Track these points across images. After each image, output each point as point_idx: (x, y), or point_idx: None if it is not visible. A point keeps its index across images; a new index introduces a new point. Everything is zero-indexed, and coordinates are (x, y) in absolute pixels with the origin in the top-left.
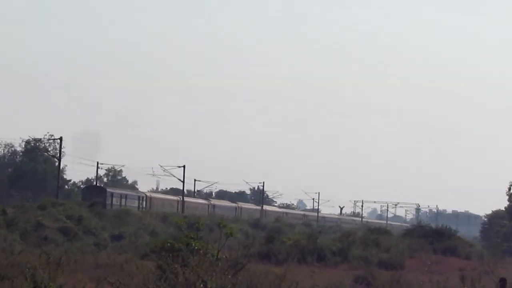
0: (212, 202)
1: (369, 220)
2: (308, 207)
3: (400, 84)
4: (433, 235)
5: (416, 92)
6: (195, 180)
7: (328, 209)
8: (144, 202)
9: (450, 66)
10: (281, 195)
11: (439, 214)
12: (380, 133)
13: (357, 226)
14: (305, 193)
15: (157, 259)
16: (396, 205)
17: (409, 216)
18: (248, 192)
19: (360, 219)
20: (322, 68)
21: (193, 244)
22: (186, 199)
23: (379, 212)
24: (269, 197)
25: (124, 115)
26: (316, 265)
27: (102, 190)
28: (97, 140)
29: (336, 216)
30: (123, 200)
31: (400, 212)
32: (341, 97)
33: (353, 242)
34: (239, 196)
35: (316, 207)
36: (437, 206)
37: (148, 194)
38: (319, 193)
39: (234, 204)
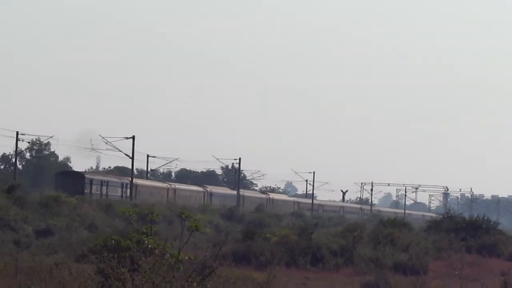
0: (209, 189)
1: (381, 209)
2: (299, 192)
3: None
4: (466, 229)
5: (445, 51)
6: (148, 156)
7: (327, 194)
8: (129, 191)
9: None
10: (263, 176)
11: (474, 200)
12: (394, 95)
13: (365, 217)
14: (296, 173)
15: (97, 261)
16: (417, 188)
17: (435, 203)
18: (219, 171)
19: (369, 207)
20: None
21: (146, 242)
22: (177, 186)
23: (394, 198)
24: (248, 178)
25: (53, 73)
26: (310, 269)
27: (80, 177)
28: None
29: (357, 206)
30: (104, 188)
31: (423, 197)
32: (340, 44)
33: (360, 238)
34: (208, 177)
35: (311, 191)
36: (471, 189)
37: (133, 181)
38: (314, 173)
39: (234, 192)
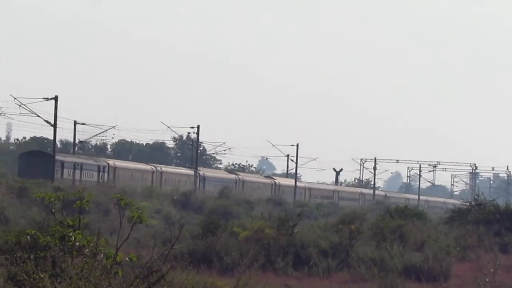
0: (201, 172)
1: (387, 194)
2: (277, 171)
3: None
4: (500, 220)
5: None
6: (75, 124)
7: (315, 175)
8: (106, 174)
9: None
10: (229, 150)
11: (511, 182)
12: (402, 47)
13: (368, 205)
14: (273, 145)
15: (8, 263)
16: (435, 166)
17: (459, 186)
18: (170, 143)
19: (372, 191)
20: None
21: (73, 238)
22: (164, 169)
23: (404, 180)
24: (209, 153)
25: None
26: (292, 274)
27: (49, 158)
28: None
29: (381, 193)
30: (78, 171)
31: (443, 178)
32: None
33: (358, 233)
34: (154, 150)
35: (293, 170)
36: (507, 168)
37: (111, 163)
38: (297, 146)
39: (232, 176)
